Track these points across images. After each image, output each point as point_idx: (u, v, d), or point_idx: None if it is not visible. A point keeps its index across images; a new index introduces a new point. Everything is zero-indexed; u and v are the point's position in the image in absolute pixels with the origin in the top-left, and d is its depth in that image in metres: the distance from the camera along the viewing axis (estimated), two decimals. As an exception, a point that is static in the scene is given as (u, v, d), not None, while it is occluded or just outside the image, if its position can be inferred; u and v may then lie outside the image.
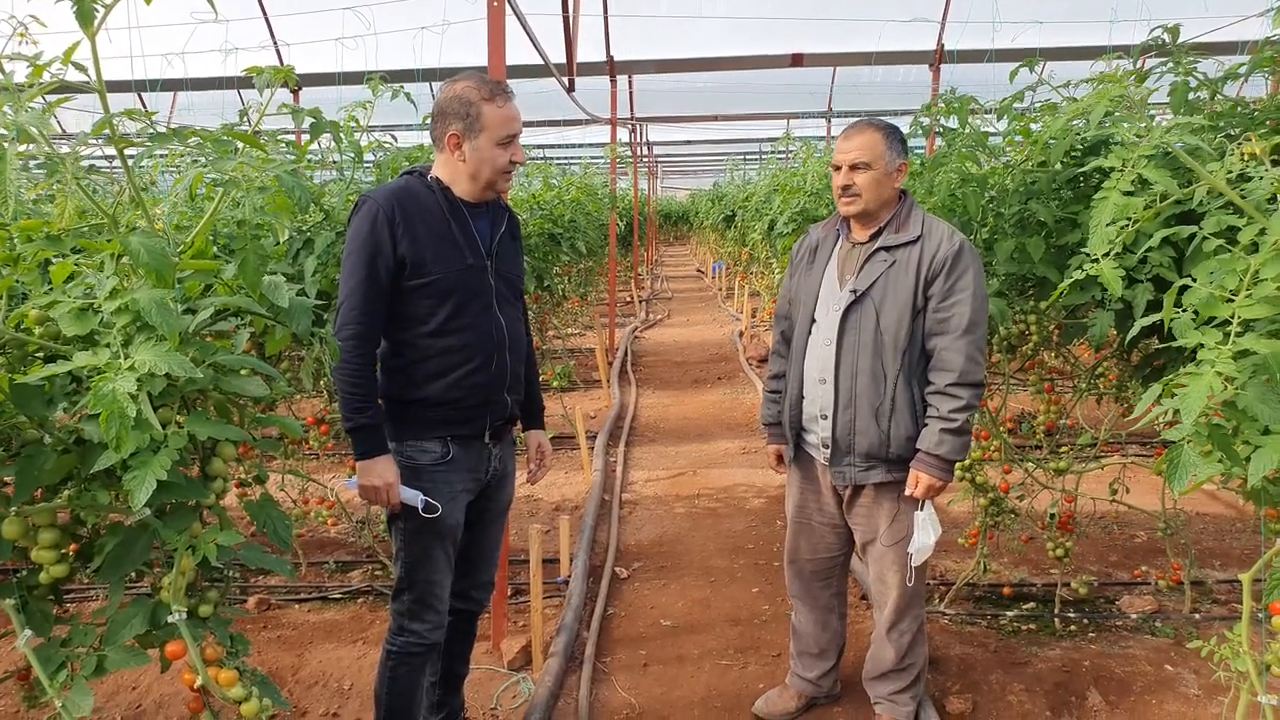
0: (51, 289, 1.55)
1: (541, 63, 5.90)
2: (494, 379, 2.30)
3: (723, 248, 16.03)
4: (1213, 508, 4.76)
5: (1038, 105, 3.11)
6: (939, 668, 3.17)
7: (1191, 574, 3.52)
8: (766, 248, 8.43)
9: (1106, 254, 1.86)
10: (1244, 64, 2.82)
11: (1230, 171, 1.70)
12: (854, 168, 2.48)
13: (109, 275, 1.49)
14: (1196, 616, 3.49)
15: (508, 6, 3.14)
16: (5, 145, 1.34)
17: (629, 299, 14.19)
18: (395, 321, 2.21)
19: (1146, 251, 2.27)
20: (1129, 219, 1.84)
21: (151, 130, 1.57)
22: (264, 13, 7.51)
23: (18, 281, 1.62)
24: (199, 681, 1.59)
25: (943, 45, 7.17)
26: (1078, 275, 1.96)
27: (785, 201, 6.52)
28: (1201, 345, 1.58)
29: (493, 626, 3.34)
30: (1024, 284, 3.10)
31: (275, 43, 7.52)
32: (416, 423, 2.25)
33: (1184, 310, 1.72)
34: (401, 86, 3.20)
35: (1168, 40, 2.97)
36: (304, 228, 3.09)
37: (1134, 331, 1.99)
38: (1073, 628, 3.46)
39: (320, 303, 2.56)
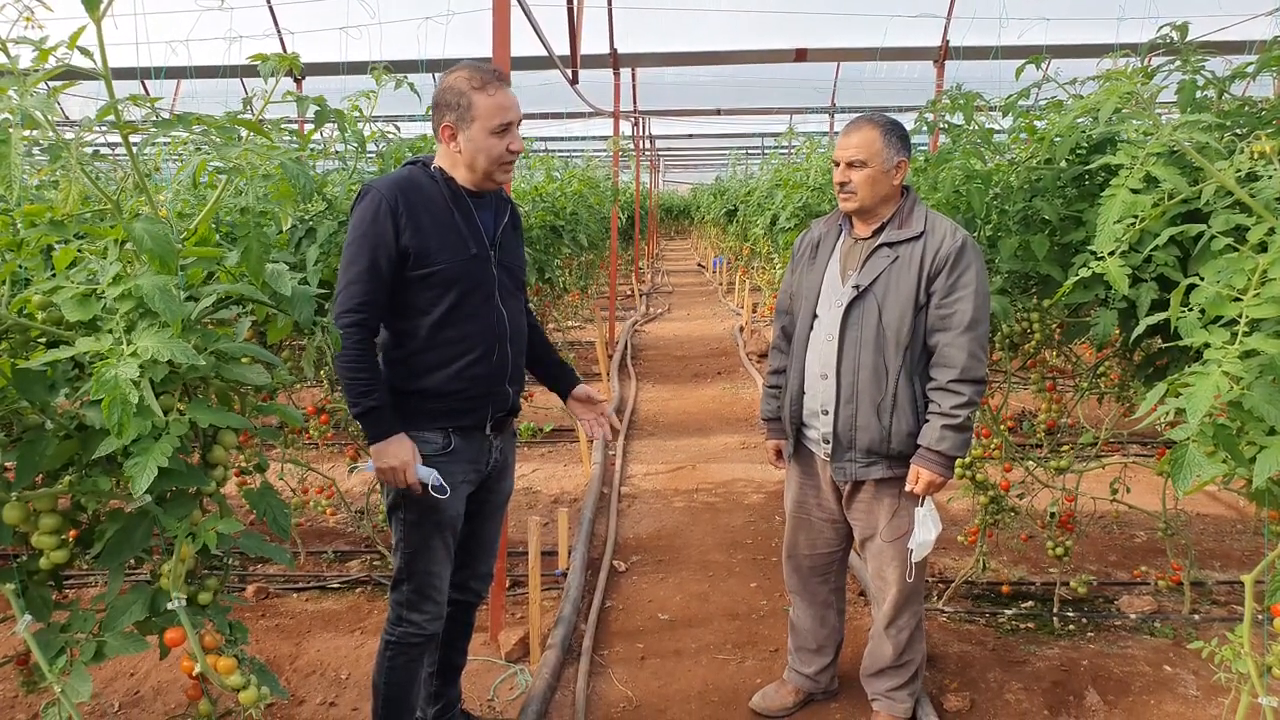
0: (55, 274, 1.54)
1: (546, 54, 5.90)
2: (496, 370, 2.29)
3: (724, 242, 16.00)
4: (1213, 508, 4.76)
5: (1043, 103, 3.10)
6: (937, 665, 3.17)
7: (1191, 575, 3.51)
8: (768, 243, 8.41)
9: (1113, 252, 1.85)
10: (1252, 63, 2.81)
11: (1239, 170, 1.70)
12: (851, 165, 2.48)
13: (112, 261, 1.49)
14: (1196, 617, 3.49)
15: (513, -3, 3.13)
16: (10, 130, 1.34)
17: (629, 293, 14.18)
18: (397, 311, 2.20)
19: (1152, 250, 2.26)
20: (1135, 217, 1.84)
21: (156, 116, 1.57)
22: (268, 1, 7.49)
23: (21, 266, 1.61)
24: (198, 668, 1.59)
25: (948, 41, 7.16)
26: (1083, 273, 1.96)
27: (788, 196, 6.50)
28: (1208, 344, 1.58)
29: (491, 618, 3.34)
30: (1027, 281, 3.10)
31: (279, 31, 7.50)
32: (418, 413, 2.25)
33: (1190, 309, 1.72)
34: (405, 77, 3.18)
35: (1175, 38, 2.96)
36: (307, 216, 3.08)
37: (1139, 330, 1.99)
38: (1071, 627, 3.46)
39: (322, 291, 2.56)
